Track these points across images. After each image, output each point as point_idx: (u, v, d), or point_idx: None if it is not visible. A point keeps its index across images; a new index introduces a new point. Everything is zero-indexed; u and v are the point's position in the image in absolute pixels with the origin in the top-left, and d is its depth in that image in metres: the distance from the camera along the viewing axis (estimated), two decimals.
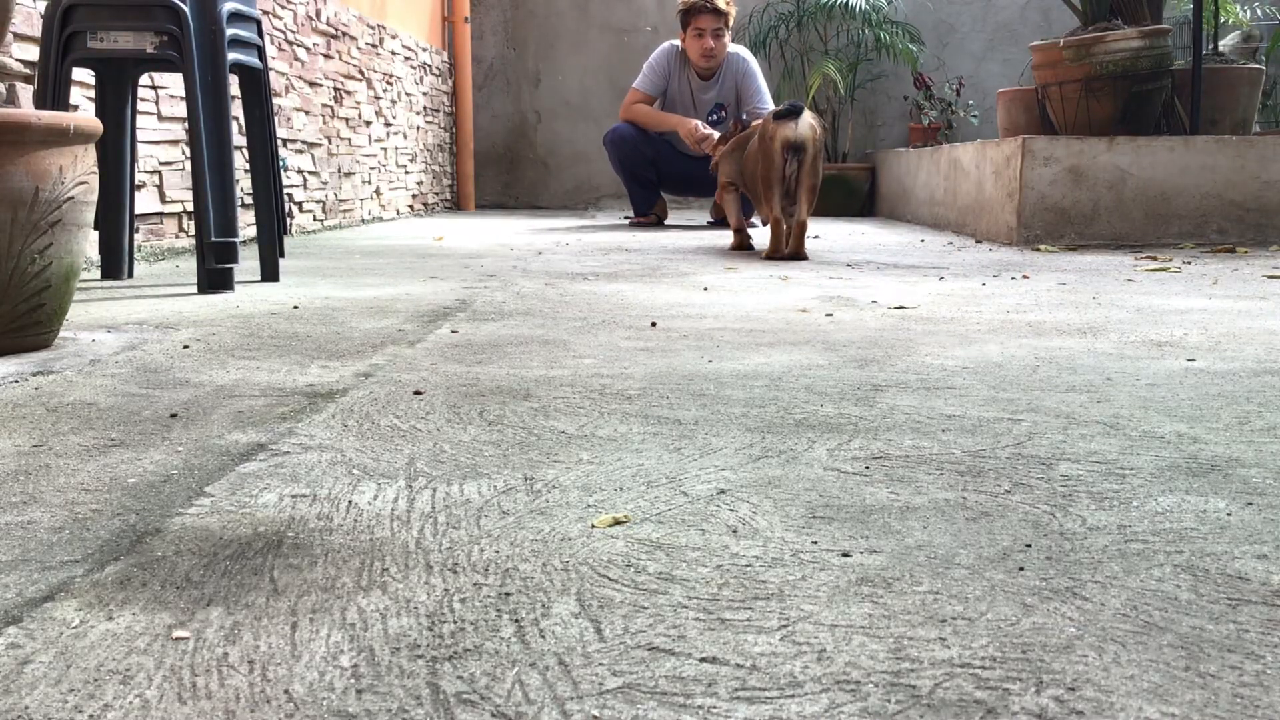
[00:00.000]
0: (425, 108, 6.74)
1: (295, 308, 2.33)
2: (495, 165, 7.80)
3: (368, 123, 5.59)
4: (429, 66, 6.83)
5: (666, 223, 5.91)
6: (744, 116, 5.43)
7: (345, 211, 5.31)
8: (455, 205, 7.56)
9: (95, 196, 1.81)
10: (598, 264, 3.46)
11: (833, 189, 6.82)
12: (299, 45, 4.58)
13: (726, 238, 4.59)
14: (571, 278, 3.02)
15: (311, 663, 0.68)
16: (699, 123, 5.30)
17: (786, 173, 3.59)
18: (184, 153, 3.52)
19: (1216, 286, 2.88)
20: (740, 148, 4.14)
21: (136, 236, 3.28)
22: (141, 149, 3.24)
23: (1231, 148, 4.32)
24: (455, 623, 0.74)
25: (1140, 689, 0.65)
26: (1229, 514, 0.97)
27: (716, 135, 5.23)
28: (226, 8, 2.57)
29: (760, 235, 4.37)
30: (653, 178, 5.65)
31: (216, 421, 1.31)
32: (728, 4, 5.38)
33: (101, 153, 2.69)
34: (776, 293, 2.69)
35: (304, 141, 4.67)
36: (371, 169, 5.70)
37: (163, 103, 3.43)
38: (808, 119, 3.60)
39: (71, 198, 1.72)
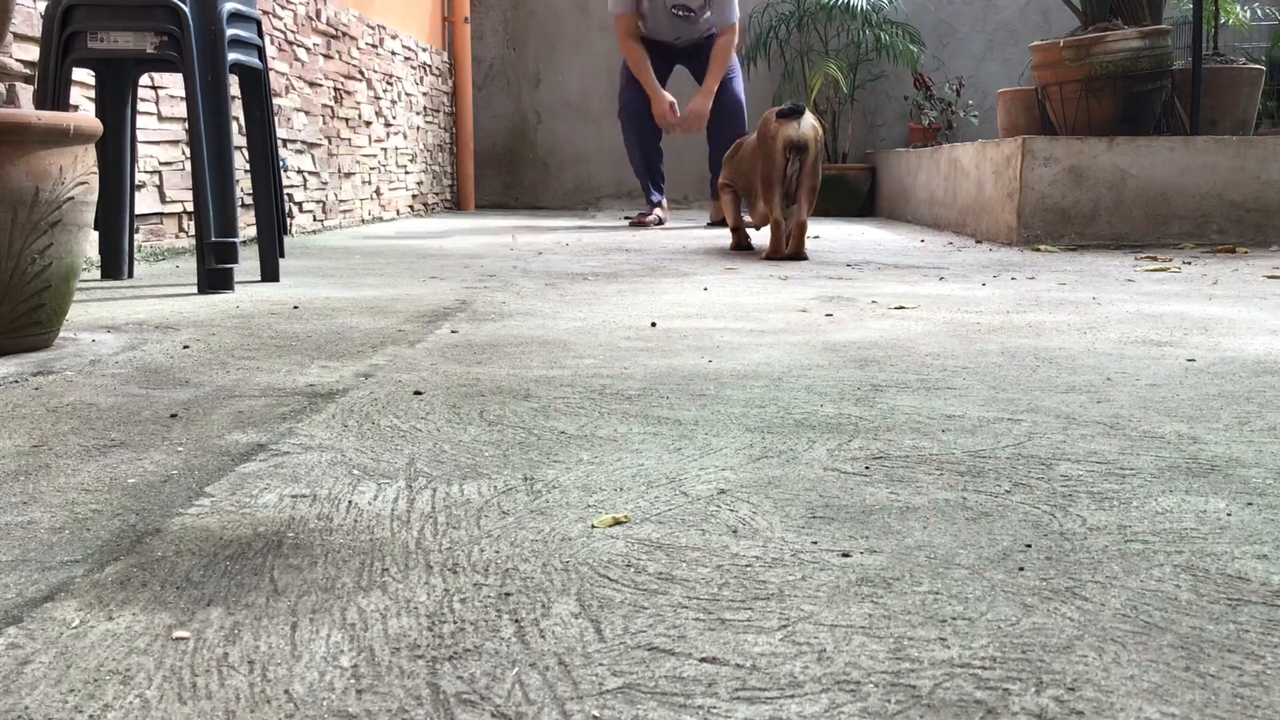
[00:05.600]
0: (425, 108, 6.74)
1: (295, 308, 2.33)
2: (495, 165, 7.80)
3: (368, 123, 5.59)
4: (429, 66, 6.83)
5: (667, 223, 5.92)
6: (712, 30, 5.50)
7: (345, 212, 5.31)
8: (455, 205, 7.55)
9: (95, 196, 1.81)
10: (598, 264, 3.45)
11: (833, 189, 6.83)
12: (299, 45, 4.58)
13: (726, 238, 4.59)
14: (572, 278, 3.02)
15: (311, 663, 0.68)
16: (668, 109, 5.48)
17: (788, 172, 3.60)
18: (184, 153, 3.52)
19: (1217, 287, 2.88)
20: (737, 149, 4.16)
21: (136, 236, 3.28)
22: (141, 149, 3.24)
23: (1231, 148, 4.32)
24: (455, 623, 0.74)
25: (1140, 689, 0.65)
26: (1229, 514, 0.97)
27: (691, 115, 5.43)
28: (226, 8, 2.57)
29: (759, 235, 4.37)
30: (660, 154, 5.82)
31: (216, 421, 1.31)
32: None
33: (101, 153, 2.69)
34: (776, 293, 2.69)
35: (304, 142, 4.67)
36: (371, 169, 5.70)
37: (163, 103, 3.43)
38: (809, 119, 3.61)
39: (71, 198, 1.72)
